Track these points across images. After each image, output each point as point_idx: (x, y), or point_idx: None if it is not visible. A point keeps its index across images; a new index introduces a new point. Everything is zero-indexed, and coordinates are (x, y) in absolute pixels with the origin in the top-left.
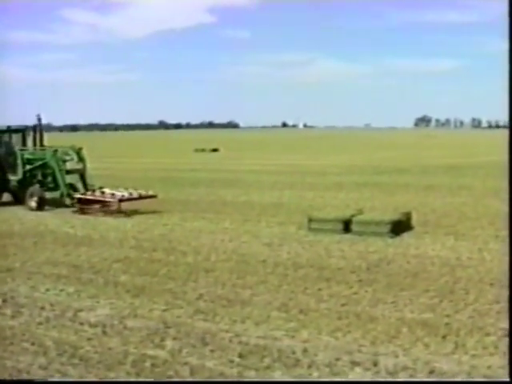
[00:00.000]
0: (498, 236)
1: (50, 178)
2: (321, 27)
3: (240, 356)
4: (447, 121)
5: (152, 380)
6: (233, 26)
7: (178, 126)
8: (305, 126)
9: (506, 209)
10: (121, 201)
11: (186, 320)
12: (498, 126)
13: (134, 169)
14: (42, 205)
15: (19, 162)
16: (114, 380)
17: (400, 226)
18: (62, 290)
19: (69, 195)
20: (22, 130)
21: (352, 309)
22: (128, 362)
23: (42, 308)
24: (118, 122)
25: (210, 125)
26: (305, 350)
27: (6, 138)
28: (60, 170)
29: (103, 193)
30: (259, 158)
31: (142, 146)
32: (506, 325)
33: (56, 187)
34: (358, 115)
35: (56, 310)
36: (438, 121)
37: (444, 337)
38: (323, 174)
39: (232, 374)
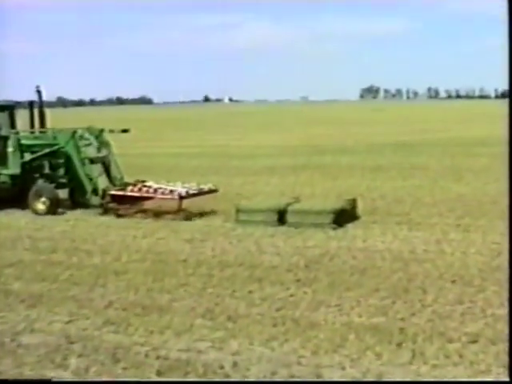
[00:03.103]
0: (459, 225)
1: (61, 171)
2: None
3: (158, 373)
4: (398, 91)
5: (152, 380)
6: None
7: (79, 104)
8: (230, 100)
9: (485, 197)
10: (182, 198)
11: (94, 333)
12: (458, 96)
13: None
14: (54, 206)
15: (12, 150)
16: (114, 380)
17: (344, 216)
18: None
19: (94, 192)
20: (10, 107)
21: (289, 313)
22: None
23: None
24: None
25: (119, 101)
26: (235, 364)
27: None
28: (82, 159)
29: (149, 187)
30: (177, 138)
31: None
32: (470, 329)
33: (70, 182)
34: (293, 87)
35: None
36: (387, 92)
37: (399, 344)
38: (253, 157)
39: None
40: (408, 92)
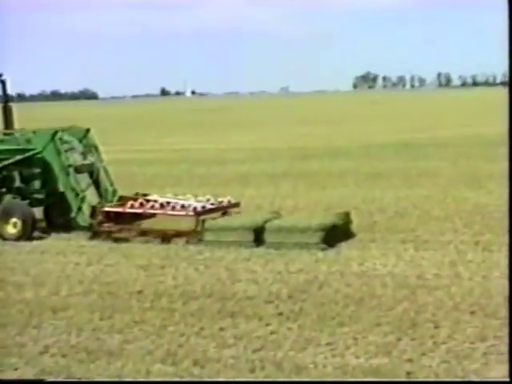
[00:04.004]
0: (478, 243)
1: (36, 184)
2: None
3: None
4: (400, 79)
5: (152, 380)
6: None
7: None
8: (193, 93)
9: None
10: (199, 214)
11: None
12: (475, 84)
13: None
14: (29, 229)
15: None
16: (114, 380)
17: (335, 233)
18: None
19: (80, 210)
20: None
21: (270, 355)
22: None
23: None
24: None
25: (55, 95)
26: None
27: None
28: (65, 168)
29: (154, 202)
30: (129, 141)
31: None
32: (496, 373)
33: (48, 198)
34: (270, 76)
35: None
36: (386, 79)
37: None
38: (222, 163)
39: None
40: (413, 79)
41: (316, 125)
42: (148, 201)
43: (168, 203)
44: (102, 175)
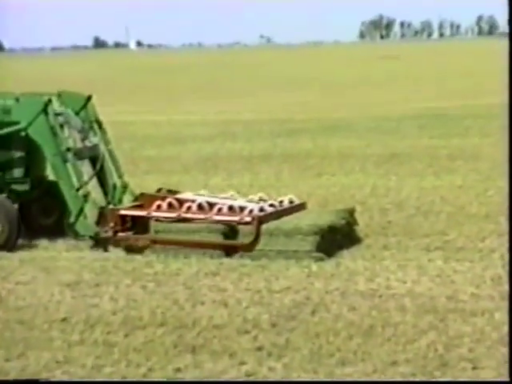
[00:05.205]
0: None
1: (17, 171)
2: None
3: None
4: (425, 25)
5: (152, 380)
6: None
7: None
8: (139, 44)
9: None
10: (261, 220)
11: None
12: None
13: None
14: (13, 235)
15: None
16: (114, 380)
17: (334, 238)
18: None
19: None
20: None
21: None
22: None
23: None
24: None
25: None
26: None
27: None
28: (61, 152)
29: (191, 202)
30: None
31: None
32: None
33: (32, 191)
34: (245, 24)
35: None
36: (405, 26)
37: None
38: (180, 141)
39: None
40: (442, 26)
41: (308, 89)
42: (180, 201)
43: (211, 204)
44: (108, 164)
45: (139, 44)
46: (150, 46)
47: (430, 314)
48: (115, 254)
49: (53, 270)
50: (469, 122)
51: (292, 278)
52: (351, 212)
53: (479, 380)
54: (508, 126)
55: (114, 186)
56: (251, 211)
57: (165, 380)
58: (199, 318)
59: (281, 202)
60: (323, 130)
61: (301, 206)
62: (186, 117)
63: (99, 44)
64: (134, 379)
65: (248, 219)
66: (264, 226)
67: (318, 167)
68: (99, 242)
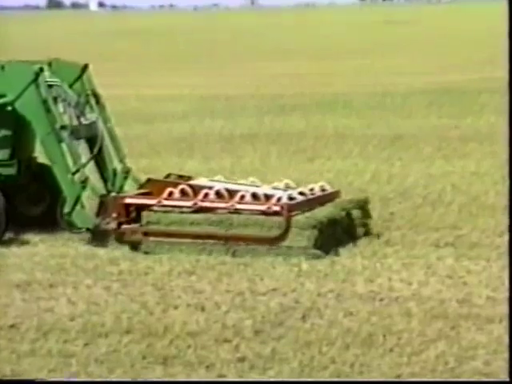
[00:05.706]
0: None
1: (2, 152)
2: None
3: None
4: None
5: (152, 380)
6: None
7: None
8: (102, 5)
9: None
10: (291, 209)
11: None
12: None
13: None
14: (1, 230)
15: None
16: (114, 380)
17: (331, 232)
18: None
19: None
20: None
21: None
22: None
23: None
24: None
25: None
26: None
27: None
28: (56, 130)
29: (208, 189)
30: None
31: None
32: None
33: (18, 175)
34: None
35: None
36: None
37: None
38: (151, 118)
39: None
40: None
41: (300, 59)
42: (194, 187)
43: (230, 192)
44: (108, 144)
45: (101, 5)
46: (113, 6)
47: (440, 320)
48: (74, 249)
49: (0, 267)
50: (484, 98)
51: (279, 279)
52: (350, 202)
53: (479, 380)
54: (508, 127)
55: (115, 171)
56: (279, 199)
57: (165, 380)
58: (171, 324)
59: (311, 189)
60: (317, 106)
61: (335, 195)
62: (157, 91)
63: (53, 3)
64: (134, 379)
65: (277, 208)
66: (241, 219)
67: (311, 150)
68: (98, 236)
